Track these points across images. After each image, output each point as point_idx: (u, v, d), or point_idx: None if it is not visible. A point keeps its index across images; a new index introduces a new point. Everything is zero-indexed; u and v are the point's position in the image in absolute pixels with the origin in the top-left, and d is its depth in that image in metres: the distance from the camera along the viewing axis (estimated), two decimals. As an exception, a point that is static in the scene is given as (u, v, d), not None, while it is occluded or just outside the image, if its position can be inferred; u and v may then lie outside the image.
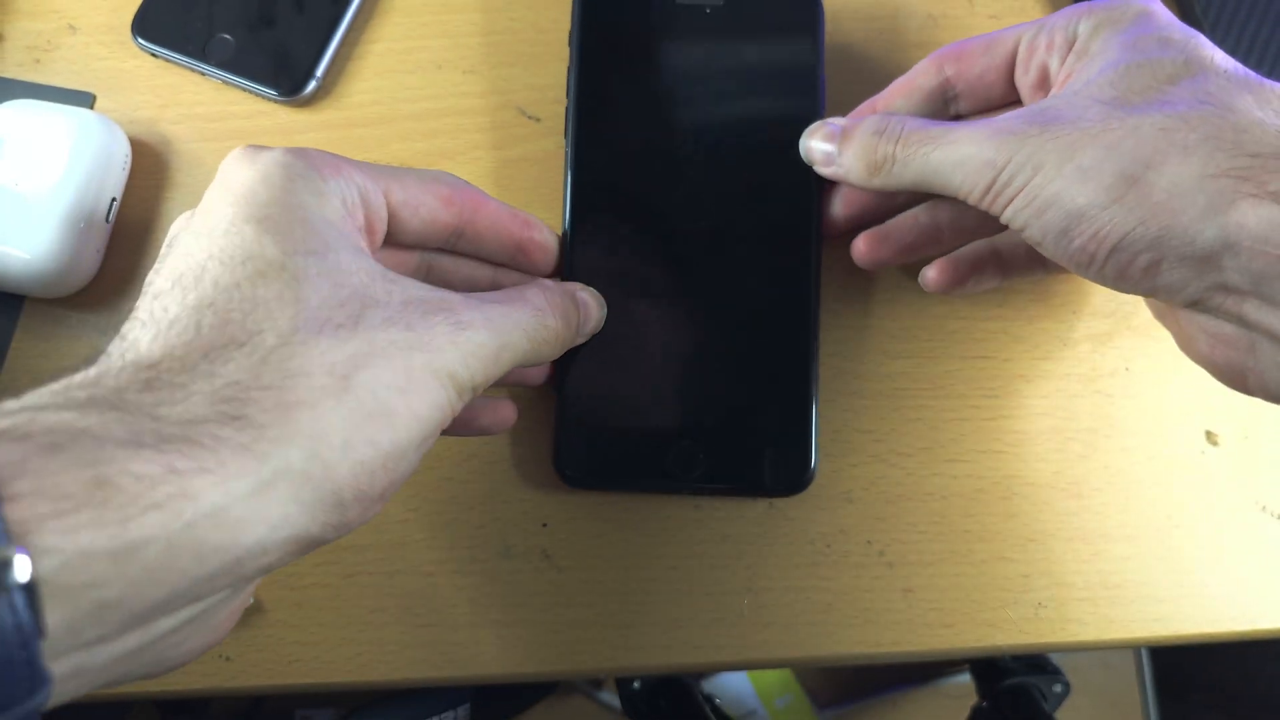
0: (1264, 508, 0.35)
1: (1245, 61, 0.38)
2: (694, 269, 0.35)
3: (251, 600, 0.34)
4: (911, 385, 0.36)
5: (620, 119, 0.36)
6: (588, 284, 0.34)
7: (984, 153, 0.28)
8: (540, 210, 0.38)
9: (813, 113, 0.35)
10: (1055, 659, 0.67)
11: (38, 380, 0.35)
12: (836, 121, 0.34)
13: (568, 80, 0.36)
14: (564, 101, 0.37)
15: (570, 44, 0.36)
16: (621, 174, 0.35)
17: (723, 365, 0.34)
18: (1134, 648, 0.87)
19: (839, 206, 0.35)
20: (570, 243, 0.34)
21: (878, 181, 0.32)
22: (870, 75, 0.39)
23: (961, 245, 0.35)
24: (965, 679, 0.86)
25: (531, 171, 0.38)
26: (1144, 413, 0.36)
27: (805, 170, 0.35)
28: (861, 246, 0.35)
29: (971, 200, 0.30)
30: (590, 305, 0.32)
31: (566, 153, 0.35)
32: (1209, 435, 0.36)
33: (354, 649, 0.34)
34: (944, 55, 0.33)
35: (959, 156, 0.29)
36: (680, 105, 0.36)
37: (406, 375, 0.23)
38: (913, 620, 0.34)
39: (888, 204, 0.35)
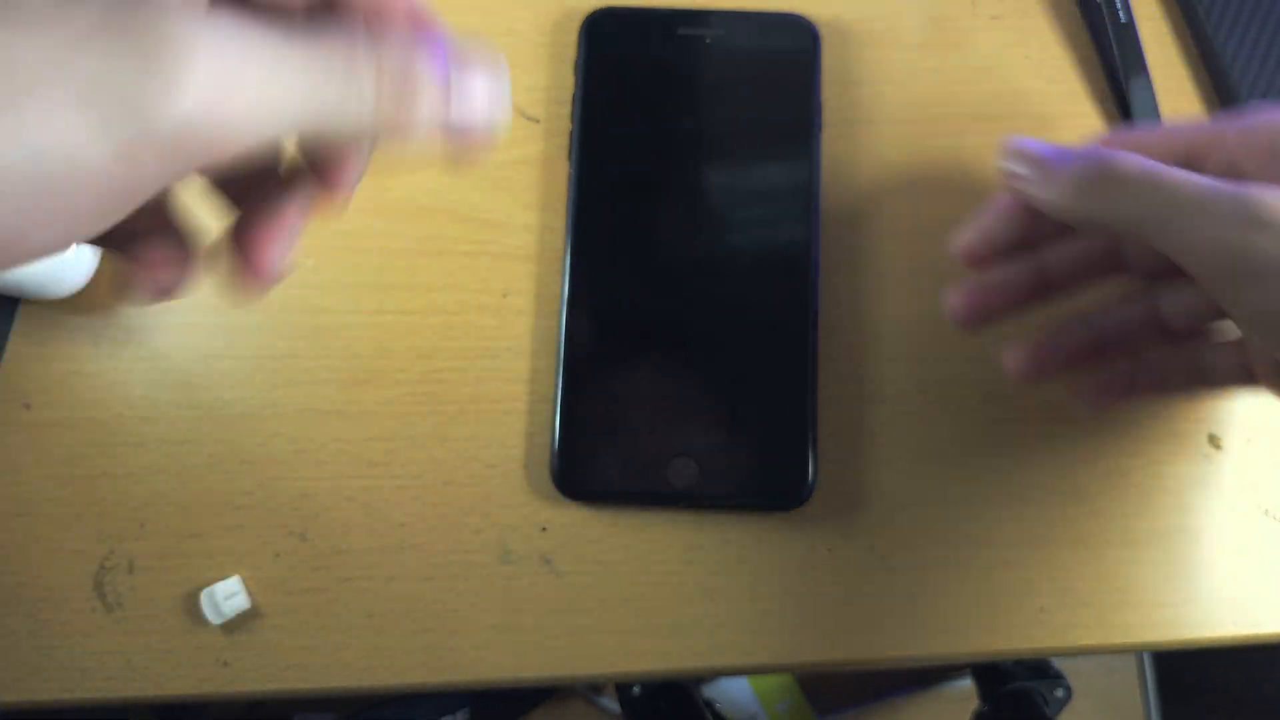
0: (1267, 511, 0.35)
1: (1249, 61, 0.39)
2: (694, 288, 0.35)
3: (249, 604, 0.33)
4: (914, 390, 0.36)
5: (622, 145, 0.37)
6: (589, 302, 0.34)
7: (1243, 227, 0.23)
8: (541, 212, 0.38)
9: (809, 138, 0.36)
10: (1057, 663, 0.67)
11: (35, 384, 0.35)
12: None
13: (572, 107, 0.37)
14: (564, 103, 0.38)
15: (575, 73, 0.37)
16: (623, 196, 0.36)
17: (722, 382, 0.34)
18: (1136, 652, 0.87)
19: (981, 232, 0.31)
20: (573, 261, 0.35)
21: (1083, 204, 0.27)
22: (869, 79, 0.39)
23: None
24: (967, 684, 0.86)
25: (531, 173, 0.38)
26: (1147, 417, 0.36)
27: (804, 193, 0.36)
28: (1021, 360, 0.32)
29: (1199, 273, 0.25)
30: (474, 84, 0.21)
31: (570, 174, 0.36)
32: (1212, 439, 0.36)
33: (352, 654, 0.33)
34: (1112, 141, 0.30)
35: (1210, 216, 0.24)
36: (681, 132, 0.37)
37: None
38: (915, 625, 0.34)
39: (1029, 275, 0.31)
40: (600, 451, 0.34)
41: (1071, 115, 0.39)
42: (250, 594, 0.34)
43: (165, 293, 0.22)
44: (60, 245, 0.18)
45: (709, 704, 0.63)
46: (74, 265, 0.35)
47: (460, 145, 0.22)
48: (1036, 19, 0.40)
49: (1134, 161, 0.26)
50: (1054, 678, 0.63)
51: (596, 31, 0.38)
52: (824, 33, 0.40)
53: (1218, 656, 0.80)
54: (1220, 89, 0.39)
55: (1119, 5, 0.39)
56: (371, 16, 0.21)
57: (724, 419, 0.34)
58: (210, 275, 0.35)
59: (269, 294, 0.37)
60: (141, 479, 0.35)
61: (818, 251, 0.36)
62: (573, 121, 0.37)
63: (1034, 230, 0.31)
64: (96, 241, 0.20)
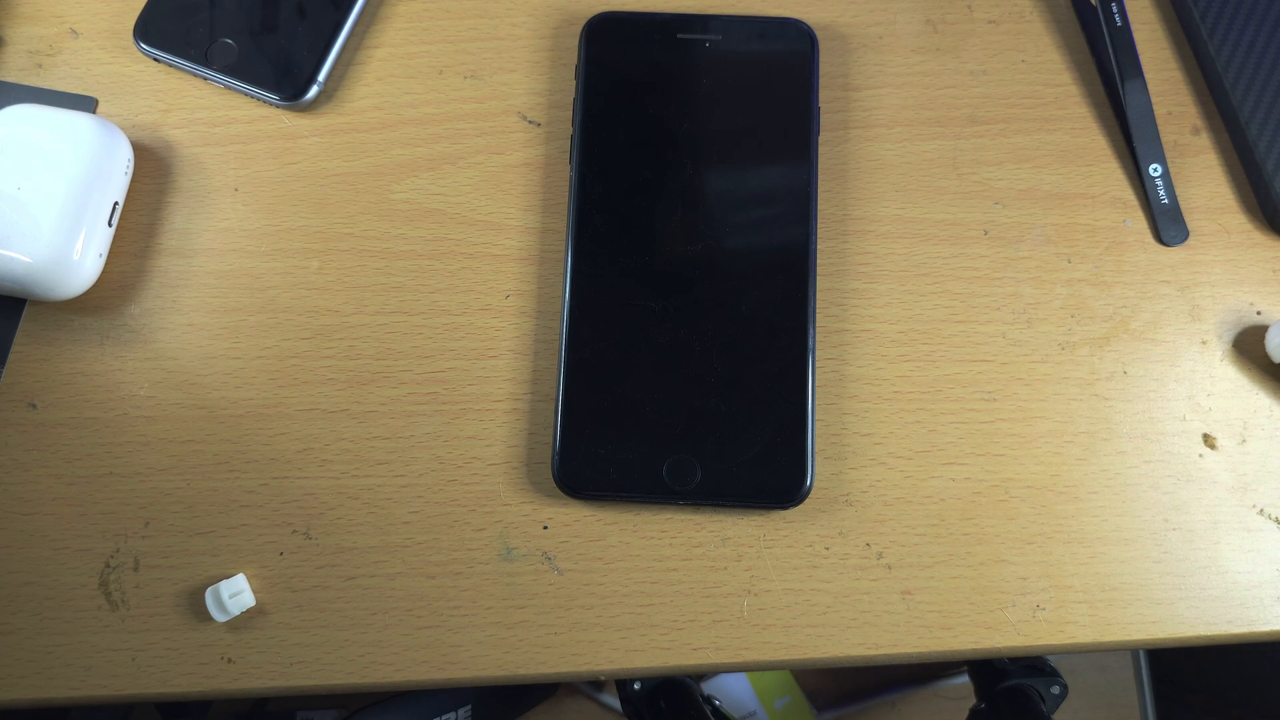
0: (1261, 510, 0.35)
1: (1244, 64, 0.39)
2: (693, 290, 0.35)
3: (254, 601, 0.34)
4: (910, 389, 0.36)
5: (623, 146, 0.37)
6: (590, 303, 0.35)
7: None
8: (542, 214, 0.38)
9: (807, 141, 0.37)
10: (1053, 661, 0.68)
11: (41, 384, 0.36)
12: None
13: (573, 111, 0.38)
14: (565, 107, 0.38)
15: (576, 77, 0.38)
16: (623, 197, 0.36)
17: (721, 381, 0.34)
18: (1131, 650, 0.87)
19: None
20: (574, 263, 0.36)
21: None
22: (866, 83, 0.40)
23: None
24: (963, 681, 0.86)
25: (533, 176, 0.38)
26: (1141, 416, 0.36)
27: (801, 195, 0.36)
28: None
29: None
30: None
31: (571, 177, 0.37)
32: (1206, 438, 0.36)
33: (356, 651, 0.34)
34: None
35: None
36: (681, 135, 0.37)
37: None
38: (911, 622, 0.34)
39: None
40: (601, 450, 0.34)
41: (1067, 118, 0.39)
42: (255, 592, 0.34)
43: None
44: None
45: (709, 700, 0.63)
46: (80, 266, 0.35)
47: None
48: (1033, 23, 0.41)
49: None
50: (1050, 675, 0.63)
51: (597, 36, 0.38)
52: (821, 37, 0.40)
53: (1212, 654, 0.80)
54: (1215, 92, 0.40)
55: (1115, 9, 0.39)
56: None
57: (723, 419, 0.34)
58: (214, 276, 0.35)
59: (273, 295, 0.37)
60: (147, 478, 0.35)
61: (815, 253, 0.36)
62: (574, 125, 0.37)
63: None
64: None
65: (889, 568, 0.35)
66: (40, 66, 0.40)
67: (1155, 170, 0.38)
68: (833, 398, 0.36)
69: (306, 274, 0.37)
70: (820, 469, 0.35)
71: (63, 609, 0.34)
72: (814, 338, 0.35)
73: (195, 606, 0.34)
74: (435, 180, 0.38)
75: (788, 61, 0.38)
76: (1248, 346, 0.37)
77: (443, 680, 0.34)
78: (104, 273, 0.37)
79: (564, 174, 0.38)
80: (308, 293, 0.37)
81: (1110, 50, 0.39)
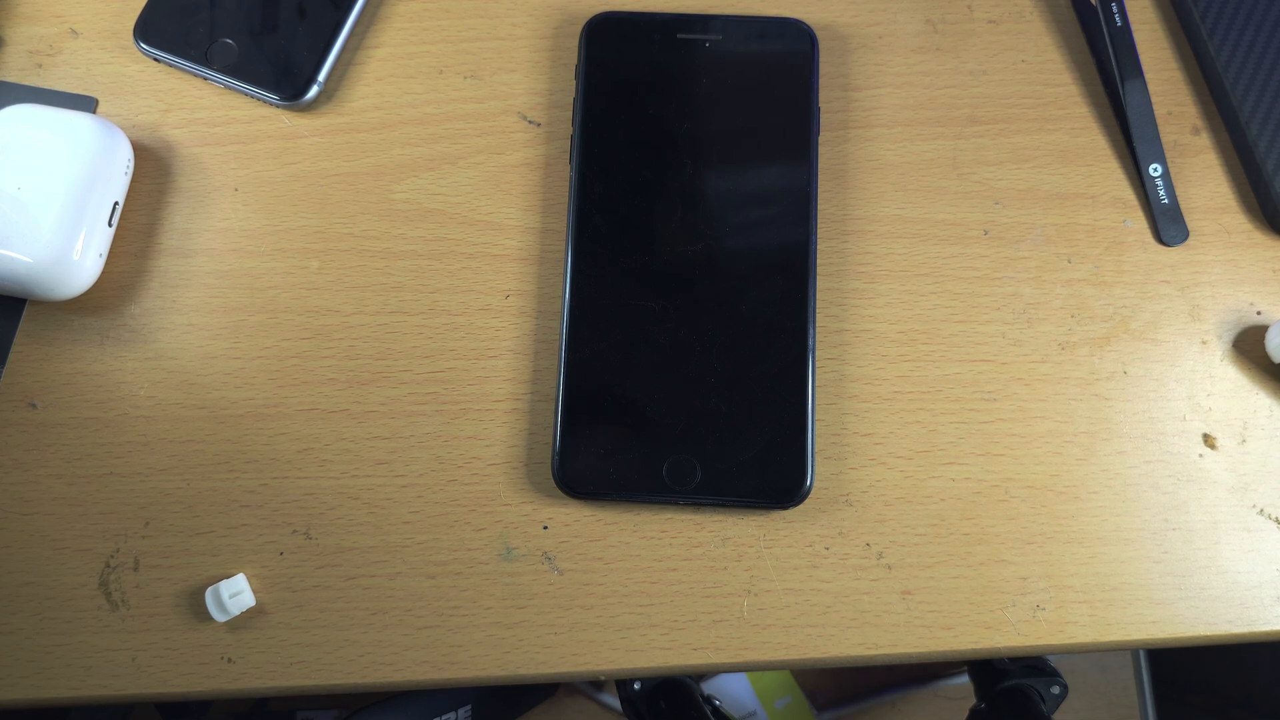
0: (1261, 510, 0.35)
1: (1244, 64, 0.39)
2: (693, 290, 0.35)
3: (254, 601, 0.34)
4: (910, 389, 0.36)
5: (622, 146, 0.37)
6: (589, 303, 0.35)
7: None
8: (542, 214, 0.38)
9: (807, 141, 0.37)
10: (1053, 661, 0.67)
11: (41, 384, 0.36)
12: None
13: (574, 111, 0.38)
14: (565, 107, 0.38)
15: (576, 77, 0.38)
16: (623, 197, 0.36)
17: (721, 381, 0.34)
18: (1132, 650, 0.87)
19: None
20: (574, 263, 0.36)
21: None
22: (866, 83, 0.40)
23: None
24: (963, 681, 0.86)
25: (533, 176, 0.38)
26: (1141, 416, 0.36)
27: (801, 195, 0.36)
28: None
29: None
30: None
31: (571, 178, 0.37)
32: (1206, 438, 0.36)
33: (356, 651, 0.34)
34: None
35: None
36: (681, 135, 0.37)
37: None
38: (911, 622, 0.34)
39: None
40: (601, 450, 0.34)
41: (1067, 118, 0.39)
42: (255, 592, 0.34)
43: None
44: None
45: (709, 700, 0.63)
46: (80, 266, 0.35)
47: None
48: (1033, 23, 0.41)
49: None
50: (1050, 675, 0.63)
51: (597, 36, 0.38)
52: (821, 37, 0.40)
53: (1213, 654, 0.80)
54: (1215, 92, 0.40)
55: (1115, 9, 0.39)
56: None
57: (723, 419, 0.34)
58: (214, 276, 0.35)
59: (273, 295, 0.37)
60: (147, 478, 0.35)
61: (815, 253, 0.36)
62: (574, 125, 0.37)
63: None
64: None
65: (889, 568, 0.35)
66: (40, 66, 0.40)
67: (1155, 170, 0.38)
68: (833, 398, 0.36)
69: (306, 274, 0.37)
70: (820, 469, 0.35)
71: (63, 609, 0.34)
72: (814, 338, 0.35)
73: (195, 606, 0.34)
74: (435, 180, 0.38)
75: (788, 61, 0.38)
76: (1248, 346, 0.37)
77: (443, 680, 0.34)
78: (104, 273, 0.37)
79: (564, 174, 0.38)
80: (308, 293, 0.37)
81: (1110, 50, 0.39)
